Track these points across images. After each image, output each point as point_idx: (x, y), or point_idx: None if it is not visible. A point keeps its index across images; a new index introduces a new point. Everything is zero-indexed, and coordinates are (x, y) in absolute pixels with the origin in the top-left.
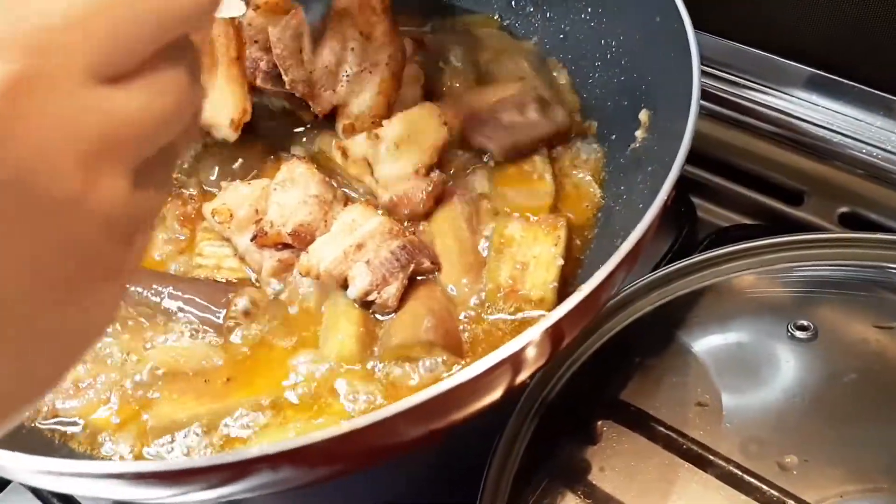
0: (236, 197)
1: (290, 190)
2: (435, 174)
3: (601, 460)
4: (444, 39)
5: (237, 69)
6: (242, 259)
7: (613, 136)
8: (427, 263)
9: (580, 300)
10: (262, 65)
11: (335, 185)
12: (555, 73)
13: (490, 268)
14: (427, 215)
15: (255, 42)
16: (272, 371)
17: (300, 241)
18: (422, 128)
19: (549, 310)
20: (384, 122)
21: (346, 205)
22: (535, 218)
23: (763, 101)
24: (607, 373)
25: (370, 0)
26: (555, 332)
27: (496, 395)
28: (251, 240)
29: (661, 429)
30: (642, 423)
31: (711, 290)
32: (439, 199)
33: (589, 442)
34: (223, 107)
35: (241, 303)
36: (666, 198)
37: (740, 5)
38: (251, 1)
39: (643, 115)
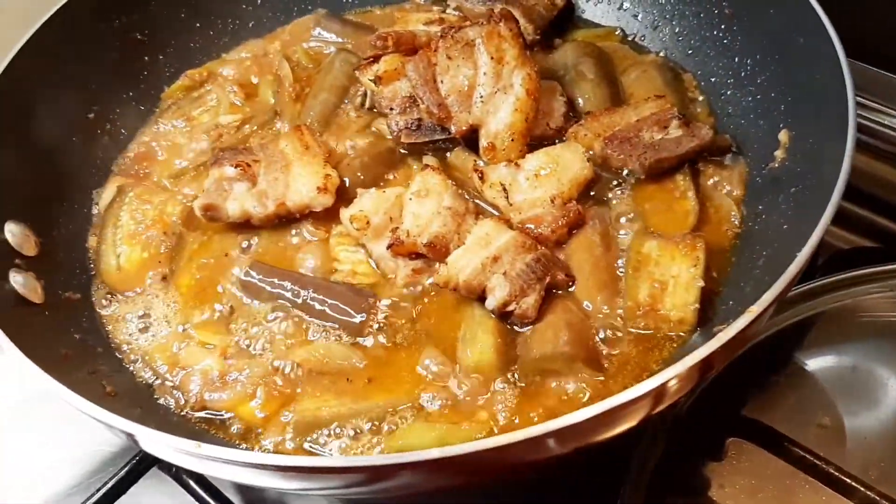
0: (372, 204)
1: (425, 200)
2: (572, 205)
3: (722, 477)
4: (575, 51)
5: (310, 154)
6: (377, 265)
7: (748, 155)
8: (562, 276)
9: (748, 323)
10: (402, 123)
11: (467, 196)
12: (689, 93)
13: (628, 285)
14: (558, 242)
15: (391, 109)
16: (410, 375)
17: (435, 252)
18: (565, 163)
19: (688, 331)
20: (528, 156)
21: (477, 217)
22: (673, 237)
23: (887, 123)
24: (732, 392)
25: (499, 29)
26: (710, 360)
27: (640, 418)
28: (387, 248)
29: (797, 449)
30: (775, 443)
31: (835, 313)
32: (573, 227)
33: (714, 458)
34: (304, 185)
35: (381, 308)
36: (828, 223)
37: (863, 22)
38: (374, 79)
39: (783, 136)
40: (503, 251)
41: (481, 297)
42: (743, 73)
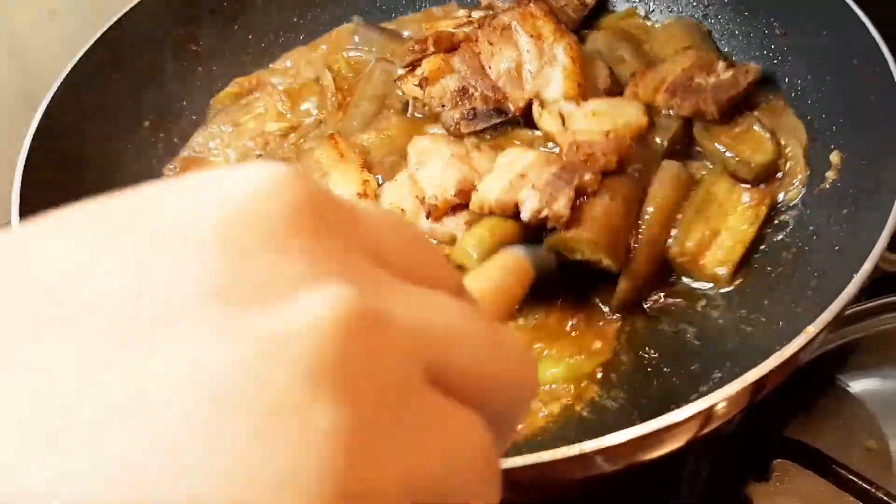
0: (393, 194)
1: (428, 163)
2: (625, 140)
3: (766, 498)
4: (605, 39)
5: (345, 161)
6: (434, 240)
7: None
8: (589, 175)
9: (805, 343)
10: (457, 116)
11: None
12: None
13: (681, 229)
14: (605, 171)
15: (443, 107)
16: None
17: (467, 196)
18: (622, 110)
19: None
20: (589, 101)
21: (479, 148)
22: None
23: None
24: (776, 413)
25: (531, 9)
26: (762, 381)
27: (689, 438)
28: (426, 218)
29: (844, 472)
30: (823, 466)
31: (880, 336)
32: (623, 161)
33: (759, 479)
34: (345, 193)
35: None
36: (885, 245)
37: None
38: (419, 82)
39: (834, 157)
40: (528, 168)
41: (516, 215)
42: (793, 94)
